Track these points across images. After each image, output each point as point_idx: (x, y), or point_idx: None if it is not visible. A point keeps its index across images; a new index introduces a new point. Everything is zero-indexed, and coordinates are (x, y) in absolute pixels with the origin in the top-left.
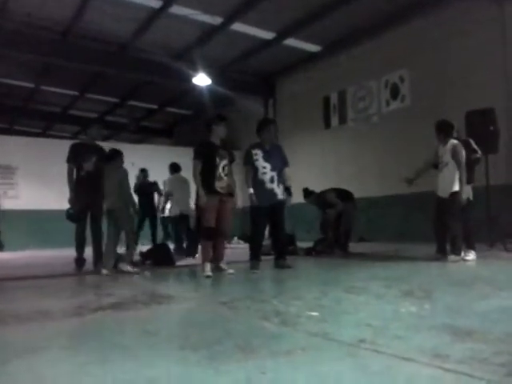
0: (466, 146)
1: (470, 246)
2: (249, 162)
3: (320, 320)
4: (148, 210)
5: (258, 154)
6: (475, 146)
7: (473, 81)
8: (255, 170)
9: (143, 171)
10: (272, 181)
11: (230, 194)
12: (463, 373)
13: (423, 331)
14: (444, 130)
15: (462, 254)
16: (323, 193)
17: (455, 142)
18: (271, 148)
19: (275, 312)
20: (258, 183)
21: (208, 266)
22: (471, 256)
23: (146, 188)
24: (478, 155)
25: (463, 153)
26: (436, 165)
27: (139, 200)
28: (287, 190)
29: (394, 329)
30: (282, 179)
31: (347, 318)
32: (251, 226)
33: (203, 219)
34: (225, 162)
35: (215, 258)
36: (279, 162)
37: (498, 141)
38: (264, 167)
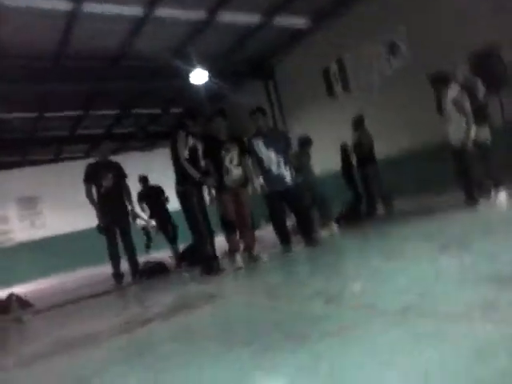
0: (470, 91)
1: (499, 187)
2: (252, 152)
3: (363, 293)
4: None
5: (259, 144)
6: (480, 89)
7: (469, 24)
8: (260, 159)
9: (142, 179)
10: (279, 165)
11: (244, 184)
12: None
13: (468, 286)
14: (441, 80)
15: (492, 195)
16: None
17: (456, 92)
18: (271, 133)
19: (317, 293)
20: (265, 171)
21: (238, 257)
22: (502, 196)
23: (153, 192)
24: (482, 100)
25: (466, 102)
26: (440, 112)
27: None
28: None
29: (438, 289)
30: (288, 161)
31: (389, 286)
32: (269, 213)
33: (223, 214)
34: (232, 153)
35: (246, 249)
36: (283, 145)
37: (507, 78)
38: (268, 157)
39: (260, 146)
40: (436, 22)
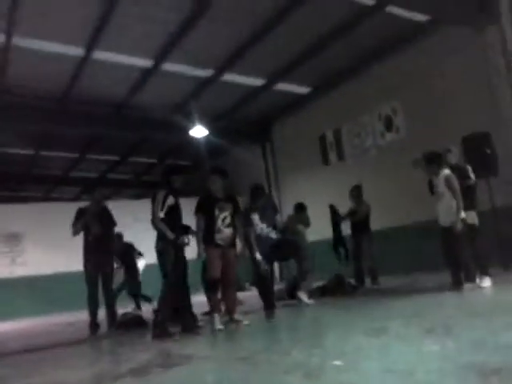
0: (461, 173)
1: (484, 272)
2: (249, 224)
3: (343, 370)
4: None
5: (256, 219)
6: (470, 173)
7: (464, 106)
8: (254, 230)
9: (117, 236)
10: (268, 233)
11: (233, 244)
12: None
13: (450, 373)
14: (434, 161)
15: (477, 281)
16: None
17: (447, 172)
18: (264, 205)
19: (296, 364)
20: (257, 239)
21: (217, 319)
22: (486, 282)
23: (126, 249)
24: (472, 182)
25: (456, 182)
26: (432, 191)
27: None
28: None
29: (420, 373)
30: (274, 227)
31: (371, 364)
32: (256, 277)
33: (207, 271)
34: (225, 213)
35: (228, 311)
36: (271, 214)
37: (497, 163)
38: (261, 228)
39: (257, 220)
40: (431, 101)
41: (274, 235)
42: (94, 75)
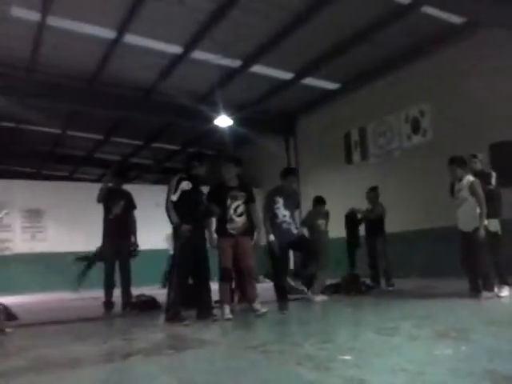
0: (484, 178)
1: (504, 282)
2: (269, 208)
3: (353, 365)
4: None
5: (279, 202)
6: (493, 179)
7: (495, 113)
8: (275, 215)
9: None
10: (289, 224)
11: (247, 233)
12: None
13: (461, 377)
14: (458, 165)
15: (496, 290)
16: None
17: (472, 178)
18: (290, 194)
19: (307, 356)
20: (276, 227)
21: (227, 309)
22: (505, 292)
23: None
24: (492, 187)
25: (481, 189)
26: (452, 193)
27: None
28: None
29: (430, 374)
30: (295, 221)
31: (380, 361)
32: (272, 266)
33: (219, 261)
34: (238, 202)
35: (247, 300)
36: (294, 207)
37: None
38: (284, 215)
39: (280, 205)
40: (461, 105)
41: (295, 230)
42: (124, 58)
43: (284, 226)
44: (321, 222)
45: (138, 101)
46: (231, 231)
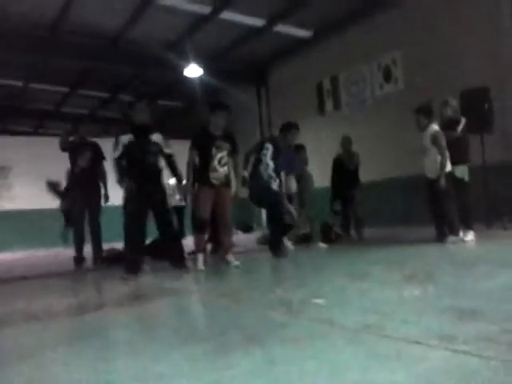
0: (452, 125)
1: (468, 226)
2: (256, 151)
3: (325, 307)
4: None
5: (269, 149)
6: (460, 126)
7: (467, 60)
8: (258, 161)
9: None
10: (270, 177)
11: (227, 184)
12: (472, 353)
13: (429, 314)
14: (421, 110)
15: (461, 234)
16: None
17: (435, 128)
18: (283, 150)
19: (279, 301)
20: (255, 174)
21: (201, 259)
22: (470, 236)
23: None
24: (457, 134)
25: (443, 139)
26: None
27: None
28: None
29: (399, 313)
30: (279, 181)
31: (352, 304)
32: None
33: (197, 210)
34: (222, 153)
35: (223, 250)
36: (284, 167)
37: (492, 120)
38: (267, 164)
39: (269, 152)
40: (432, 53)
41: (275, 186)
42: (87, 3)
43: (263, 180)
44: (307, 168)
45: (104, 49)
46: (213, 181)
